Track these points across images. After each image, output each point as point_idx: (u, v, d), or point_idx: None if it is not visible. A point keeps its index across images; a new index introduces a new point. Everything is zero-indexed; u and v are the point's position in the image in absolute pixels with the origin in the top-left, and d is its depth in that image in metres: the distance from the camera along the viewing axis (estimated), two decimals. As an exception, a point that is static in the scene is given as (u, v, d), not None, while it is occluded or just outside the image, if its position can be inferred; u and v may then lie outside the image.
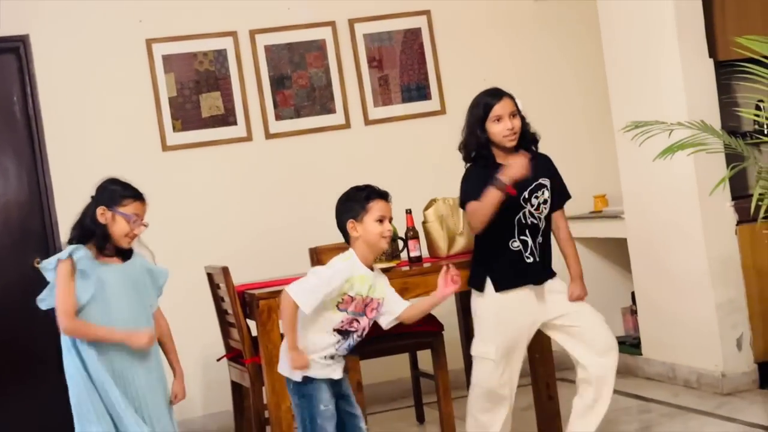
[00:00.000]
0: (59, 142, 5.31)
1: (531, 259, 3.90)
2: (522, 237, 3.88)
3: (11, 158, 5.34)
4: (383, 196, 3.56)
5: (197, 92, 5.50)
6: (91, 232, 3.45)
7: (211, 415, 5.40)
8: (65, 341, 3.40)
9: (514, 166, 3.70)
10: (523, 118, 3.90)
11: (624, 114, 5.02)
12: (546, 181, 3.92)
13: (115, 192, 3.51)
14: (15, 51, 5.31)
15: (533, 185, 3.85)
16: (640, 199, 5.23)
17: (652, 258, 5.21)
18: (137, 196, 3.53)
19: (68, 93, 5.35)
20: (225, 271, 4.32)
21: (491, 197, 3.72)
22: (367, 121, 5.72)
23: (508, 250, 3.87)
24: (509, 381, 3.94)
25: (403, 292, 4.27)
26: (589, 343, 3.90)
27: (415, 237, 4.54)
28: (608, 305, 5.91)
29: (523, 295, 3.90)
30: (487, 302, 3.91)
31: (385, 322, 3.60)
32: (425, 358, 4.91)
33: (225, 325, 4.59)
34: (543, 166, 3.93)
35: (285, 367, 3.50)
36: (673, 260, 5.04)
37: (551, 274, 3.97)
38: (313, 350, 3.46)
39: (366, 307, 3.50)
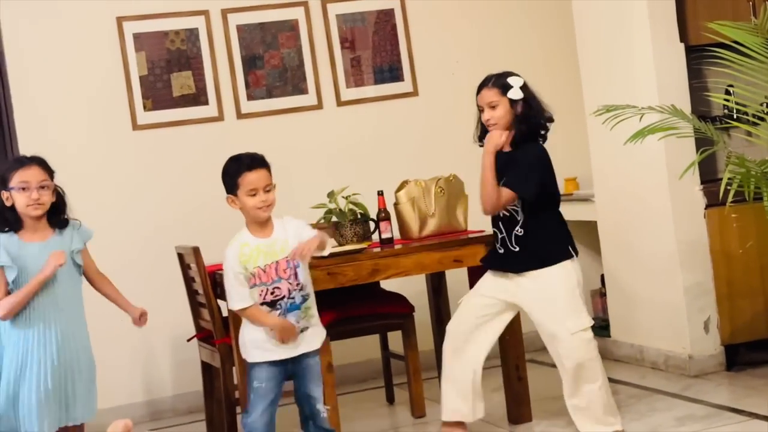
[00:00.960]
0: (29, 121, 5.26)
1: (502, 250, 3.97)
2: (494, 228, 4.02)
3: (-21, 136, 5.29)
4: (253, 166, 3.61)
5: (168, 71, 5.46)
6: (4, 220, 3.57)
7: (180, 395, 5.39)
8: None
9: (493, 135, 3.91)
10: (526, 104, 3.91)
11: (595, 97, 5.04)
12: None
13: (4, 172, 3.61)
14: (-17, 27, 5.25)
15: (501, 180, 3.88)
16: (610, 183, 5.26)
17: (621, 241, 5.25)
18: (18, 165, 3.60)
19: (38, 71, 5.29)
20: (196, 251, 4.32)
21: (482, 167, 3.87)
22: (339, 102, 5.71)
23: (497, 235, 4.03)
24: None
25: (375, 273, 4.29)
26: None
27: (387, 218, 4.55)
28: (578, 287, 5.96)
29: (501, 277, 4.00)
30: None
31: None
32: (395, 339, 4.93)
33: (195, 306, 4.59)
34: (517, 159, 3.92)
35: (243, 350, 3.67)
36: (642, 243, 5.08)
37: (537, 266, 3.93)
38: (252, 333, 3.60)
39: (277, 271, 3.57)
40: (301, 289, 3.62)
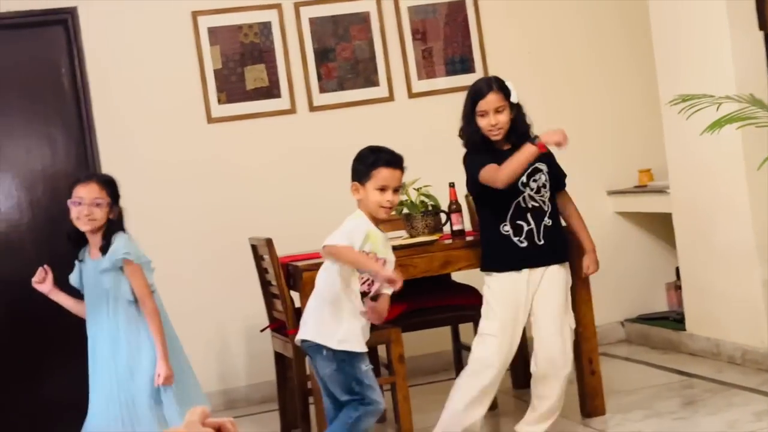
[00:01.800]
0: (106, 113, 5.37)
1: (525, 243, 3.91)
2: (518, 221, 3.90)
3: (59, 129, 5.41)
4: (391, 164, 3.48)
5: (242, 65, 5.52)
6: (70, 233, 3.74)
7: (254, 386, 5.46)
8: None
9: (557, 132, 3.70)
10: (518, 108, 3.89)
11: (671, 87, 4.96)
12: (542, 166, 3.93)
13: (70, 185, 3.75)
14: (63, 23, 5.37)
15: (530, 169, 3.86)
16: (686, 174, 5.18)
17: (697, 233, 5.17)
18: (78, 181, 3.72)
19: (115, 65, 5.39)
20: (269, 242, 4.36)
21: (528, 152, 3.73)
22: (411, 94, 5.72)
23: (500, 235, 3.91)
24: (508, 356, 3.97)
25: (446, 265, 4.29)
26: (537, 356, 3.96)
27: (458, 210, 4.54)
28: (652, 280, 5.89)
29: (516, 277, 3.93)
30: (493, 283, 3.98)
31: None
32: (467, 331, 4.92)
33: (269, 297, 4.64)
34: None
35: (317, 333, 3.52)
36: (719, 235, 4.99)
37: (558, 260, 3.95)
38: (355, 320, 3.50)
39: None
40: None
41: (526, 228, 3.91)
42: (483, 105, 3.86)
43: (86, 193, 3.65)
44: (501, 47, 5.80)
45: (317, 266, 4.06)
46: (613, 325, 5.83)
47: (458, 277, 4.89)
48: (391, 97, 5.69)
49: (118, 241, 3.65)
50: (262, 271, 4.61)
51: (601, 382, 4.40)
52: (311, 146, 5.60)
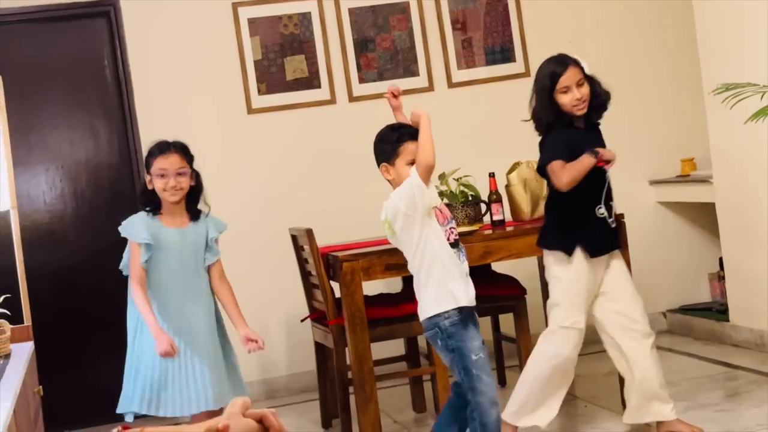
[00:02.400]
0: (148, 104, 5.41)
1: (614, 224, 3.89)
2: (605, 203, 3.85)
3: (102, 121, 5.47)
4: (415, 136, 3.44)
5: (282, 55, 5.53)
6: (148, 200, 3.70)
7: (294, 375, 5.49)
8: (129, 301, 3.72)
9: (610, 152, 3.78)
10: (591, 80, 3.83)
11: (714, 75, 4.90)
12: None
13: (147, 159, 3.73)
14: (105, 15, 5.42)
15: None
16: (729, 163, 5.11)
17: (741, 223, 5.11)
18: (158, 152, 3.69)
19: (156, 56, 5.43)
20: (309, 233, 4.37)
21: (585, 163, 3.72)
22: (451, 84, 5.70)
23: (595, 217, 3.84)
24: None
25: (486, 255, 4.28)
26: (624, 324, 3.89)
27: (498, 200, 4.53)
28: (695, 270, 5.84)
29: (600, 260, 3.88)
30: (576, 268, 3.84)
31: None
32: (507, 322, 4.91)
33: (309, 287, 4.65)
34: (599, 137, 3.91)
35: (431, 306, 3.40)
36: (763, 225, 4.93)
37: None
38: (451, 276, 3.38)
39: (448, 213, 3.48)
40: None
41: (605, 212, 3.89)
42: (564, 81, 3.79)
43: (169, 164, 3.66)
44: (541, 36, 5.76)
45: (357, 257, 4.08)
46: (655, 316, 5.78)
47: (499, 267, 4.88)
48: (430, 87, 5.68)
49: (213, 216, 3.78)
50: (302, 262, 4.63)
51: (642, 374, 4.36)
52: (351, 136, 5.60)
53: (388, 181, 3.50)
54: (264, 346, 3.80)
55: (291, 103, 5.54)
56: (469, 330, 3.39)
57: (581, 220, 3.84)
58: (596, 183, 3.81)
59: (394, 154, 3.45)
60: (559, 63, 3.83)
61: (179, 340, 3.63)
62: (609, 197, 3.87)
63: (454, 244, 3.42)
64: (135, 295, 3.63)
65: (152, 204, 3.70)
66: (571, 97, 3.79)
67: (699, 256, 5.82)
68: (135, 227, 3.67)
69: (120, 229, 3.72)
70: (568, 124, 3.83)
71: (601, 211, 3.84)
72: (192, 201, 3.75)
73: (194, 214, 3.75)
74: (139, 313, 3.64)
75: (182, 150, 3.71)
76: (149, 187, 3.70)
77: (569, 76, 3.79)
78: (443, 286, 3.37)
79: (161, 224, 3.70)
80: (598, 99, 3.84)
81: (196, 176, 3.75)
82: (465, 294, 3.39)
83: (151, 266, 3.66)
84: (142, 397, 3.63)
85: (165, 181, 3.65)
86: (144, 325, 3.63)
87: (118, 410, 3.72)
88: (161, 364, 3.60)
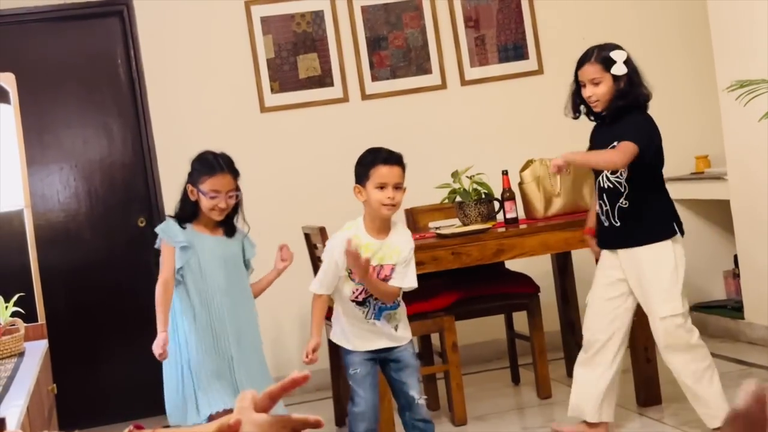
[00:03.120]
0: (161, 103, 5.42)
1: (607, 224, 3.82)
2: (600, 201, 3.83)
3: (116, 119, 5.48)
4: (388, 161, 3.46)
5: (295, 54, 5.54)
6: (186, 209, 3.69)
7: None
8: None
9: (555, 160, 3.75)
10: (625, 79, 3.73)
11: (728, 72, 4.88)
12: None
13: (195, 171, 3.71)
14: (119, 14, 5.43)
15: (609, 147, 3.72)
16: (744, 160, 5.09)
17: (756, 220, 5.08)
18: (212, 171, 3.65)
19: (170, 55, 5.45)
20: (322, 231, 4.37)
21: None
22: (464, 82, 5.69)
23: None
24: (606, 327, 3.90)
25: (499, 253, 4.28)
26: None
27: (512, 198, 4.52)
28: (710, 268, 5.81)
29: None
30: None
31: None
32: (521, 320, 4.90)
33: (322, 285, 4.65)
34: (621, 128, 3.74)
35: (333, 332, 3.68)
36: (778, 223, 4.90)
37: (638, 242, 3.78)
38: (352, 323, 3.57)
39: (379, 275, 3.48)
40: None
41: (604, 208, 3.81)
42: (580, 76, 3.78)
43: (222, 186, 3.64)
44: (555, 34, 5.74)
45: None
46: (669, 314, 5.76)
47: (512, 265, 4.87)
48: (443, 85, 5.67)
49: (249, 237, 3.82)
50: (315, 259, 4.63)
51: (657, 371, 4.35)
52: (364, 135, 5.59)
53: (362, 202, 3.55)
54: (291, 256, 3.87)
55: (304, 101, 5.55)
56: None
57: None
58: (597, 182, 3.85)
59: (365, 176, 3.49)
60: (581, 58, 3.81)
61: (232, 342, 3.66)
62: (608, 196, 3.79)
63: (360, 302, 3.53)
64: (158, 293, 3.63)
65: (187, 215, 3.68)
66: (585, 94, 3.78)
67: (714, 254, 5.80)
68: (169, 230, 3.67)
69: (157, 230, 3.71)
70: (594, 116, 3.84)
71: (599, 203, 3.83)
72: (228, 217, 3.74)
73: (229, 229, 3.74)
74: (186, 322, 3.65)
75: (233, 170, 3.69)
76: (191, 198, 3.67)
77: (584, 72, 3.77)
78: None
79: (193, 229, 3.69)
80: (625, 98, 3.72)
81: (238, 196, 3.74)
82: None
83: (191, 271, 3.65)
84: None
85: (215, 202, 3.63)
86: (191, 330, 3.65)
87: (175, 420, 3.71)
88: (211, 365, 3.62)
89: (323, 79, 5.56)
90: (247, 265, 3.81)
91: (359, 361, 3.56)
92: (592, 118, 3.89)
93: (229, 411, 3.52)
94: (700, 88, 5.76)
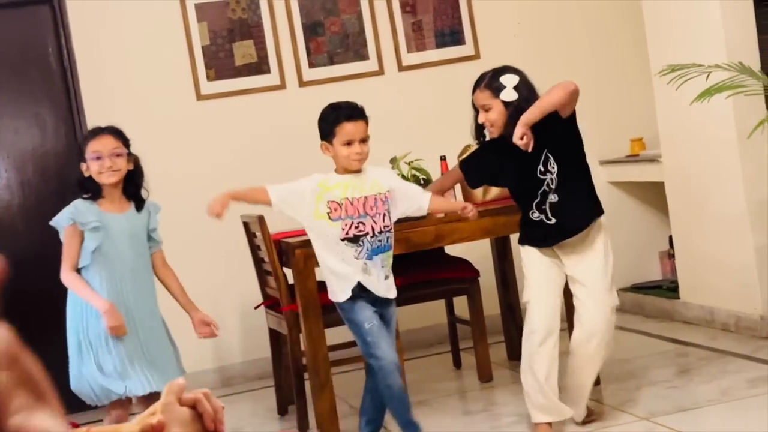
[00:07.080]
0: (94, 92, 5.33)
1: (539, 220, 3.74)
2: (529, 200, 3.75)
3: (48, 109, 5.38)
4: (352, 117, 3.55)
5: (230, 41, 5.48)
6: (86, 188, 3.64)
7: (249, 362, 5.47)
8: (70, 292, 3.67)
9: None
10: (512, 105, 3.65)
11: (661, 56, 4.94)
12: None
13: (80, 143, 3.72)
14: (49, 2, 5.32)
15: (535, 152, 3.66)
16: (677, 142, 5.17)
17: (690, 201, 5.17)
18: (92, 135, 3.66)
19: (102, 43, 5.36)
20: (261, 219, 4.35)
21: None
22: (401, 67, 5.69)
23: (530, 220, 3.78)
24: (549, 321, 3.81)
25: (439, 238, 4.29)
26: (579, 319, 3.77)
27: (450, 183, 4.52)
28: (645, 249, 5.90)
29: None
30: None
31: (401, 210, 3.64)
32: (461, 304, 4.93)
33: (262, 274, 4.63)
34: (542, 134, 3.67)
35: (331, 292, 3.63)
36: (711, 204, 4.99)
37: (573, 231, 3.72)
38: (342, 268, 3.54)
39: (364, 207, 3.53)
40: (389, 232, 3.60)
41: (533, 202, 3.75)
42: (474, 101, 3.78)
43: (103, 146, 3.61)
44: (491, 18, 5.76)
45: (309, 243, 4.06)
46: (606, 295, 5.84)
47: (452, 250, 4.89)
48: (381, 71, 5.66)
49: (151, 201, 3.74)
50: (254, 248, 4.60)
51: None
52: (301, 122, 5.55)
53: (330, 157, 3.63)
54: (218, 331, 3.78)
55: (240, 88, 5.50)
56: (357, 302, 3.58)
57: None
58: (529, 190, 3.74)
59: (331, 134, 3.57)
60: (475, 83, 3.79)
61: (137, 327, 3.61)
62: (544, 195, 3.72)
63: (352, 239, 3.55)
64: (73, 280, 3.57)
65: (91, 191, 3.63)
66: (480, 119, 3.76)
67: (649, 235, 5.88)
68: (79, 213, 3.60)
69: (57, 219, 3.63)
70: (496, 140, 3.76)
71: (535, 215, 3.74)
72: (132, 186, 3.68)
73: (137, 202, 3.69)
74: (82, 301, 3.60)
75: (116, 132, 3.67)
76: (86, 174, 3.64)
77: (475, 98, 3.77)
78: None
79: (100, 210, 3.63)
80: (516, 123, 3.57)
81: (135, 160, 3.70)
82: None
83: (101, 253, 3.60)
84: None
85: (100, 163, 3.60)
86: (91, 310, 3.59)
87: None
88: (116, 348, 3.57)
89: (260, 66, 5.52)
90: (151, 235, 3.73)
91: (370, 315, 3.56)
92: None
93: (152, 395, 3.52)
94: (634, 71, 5.82)
